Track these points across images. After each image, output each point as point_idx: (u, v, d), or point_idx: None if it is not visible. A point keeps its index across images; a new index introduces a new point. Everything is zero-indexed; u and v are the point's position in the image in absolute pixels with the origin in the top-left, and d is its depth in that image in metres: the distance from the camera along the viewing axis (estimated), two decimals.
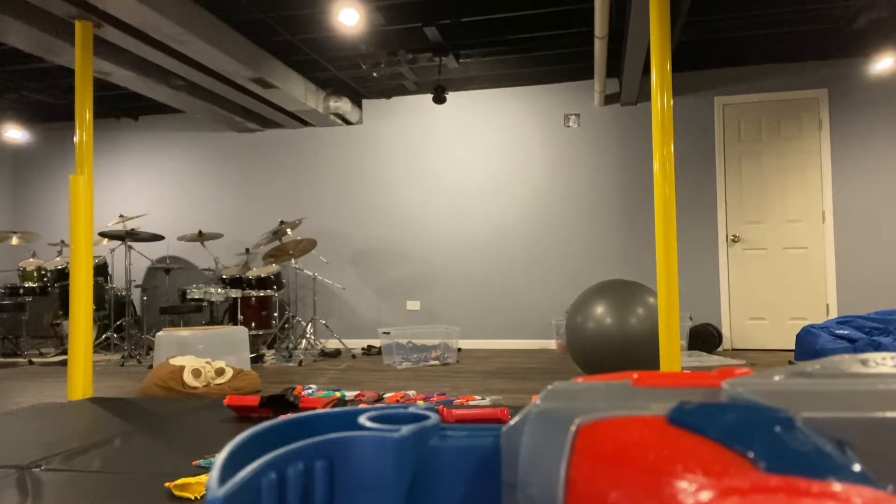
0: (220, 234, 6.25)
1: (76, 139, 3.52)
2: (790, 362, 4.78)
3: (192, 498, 1.66)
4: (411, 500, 0.78)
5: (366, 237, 6.63)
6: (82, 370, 3.43)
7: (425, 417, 0.85)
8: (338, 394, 3.13)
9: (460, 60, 5.57)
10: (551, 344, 6.16)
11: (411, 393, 3.32)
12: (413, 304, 6.48)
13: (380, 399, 3.19)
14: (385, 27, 4.87)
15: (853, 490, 0.42)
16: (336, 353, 5.72)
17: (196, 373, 3.52)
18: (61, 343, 6.15)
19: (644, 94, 6.06)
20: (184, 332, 4.13)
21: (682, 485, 0.47)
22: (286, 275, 6.59)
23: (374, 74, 5.75)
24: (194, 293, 5.46)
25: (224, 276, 5.84)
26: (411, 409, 0.88)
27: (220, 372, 3.62)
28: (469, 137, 6.45)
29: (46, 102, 6.60)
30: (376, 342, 6.52)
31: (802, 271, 5.71)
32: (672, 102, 2.95)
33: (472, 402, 3.13)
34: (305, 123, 6.72)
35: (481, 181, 6.39)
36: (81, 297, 3.46)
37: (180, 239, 6.24)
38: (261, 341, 5.79)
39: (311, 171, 6.80)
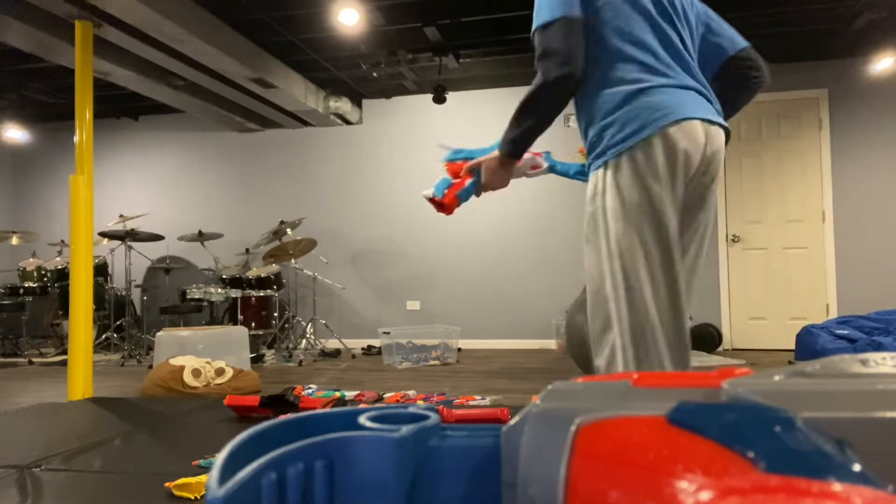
0: (220, 234, 6.25)
1: (76, 139, 3.52)
2: (790, 362, 4.78)
3: (192, 498, 1.66)
4: (411, 500, 0.78)
5: (366, 237, 6.63)
6: (82, 370, 3.43)
7: (425, 417, 0.85)
8: (338, 394, 3.13)
9: (460, 60, 5.57)
10: (551, 344, 6.16)
11: (411, 393, 3.32)
12: (413, 304, 6.48)
13: (380, 399, 3.19)
14: (385, 27, 4.87)
15: (853, 490, 0.42)
16: (336, 353, 5.71)
17: (196, 373, 3.52)
18: (61, 343, 6.14)
19: None
20: (184, 332, 4.13)
21: (682, 485, 0.47)
22: (286, 275, 6.59)
23: (374, 74, 5.75)
24: (194, 293, 5.46)
25: (224, 276, 5.84)
26: (411, 409, 0.88)
27: (220, 372, 3.61)
28: (469, 137, 6.44)
29: (46, 102, 6.60)
30: (376, 342, 6.52)
31: (802, 271, 5.71)
32: None
33: (472, 402, 3.13)
34: (305, 123, 6.71)
35: None
36: (81, 297, 3.46)
37: (180, 239, 6.24)
38: (261, 341, 5.79)
39: (311, 170, 6.80)
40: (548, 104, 1.50)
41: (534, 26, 1.49)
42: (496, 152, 1.65)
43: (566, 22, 1.44)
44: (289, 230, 5.87)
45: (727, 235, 5.86)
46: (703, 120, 1.45)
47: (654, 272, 1.43)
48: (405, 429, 0.77)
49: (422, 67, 5.73)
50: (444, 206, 1.73)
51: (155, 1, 3.89)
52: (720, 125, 1.51)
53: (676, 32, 1.53)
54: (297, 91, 5.74)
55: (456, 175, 1.78)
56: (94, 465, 2.00)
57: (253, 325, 5.60)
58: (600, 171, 1.49)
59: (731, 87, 1.67)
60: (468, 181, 1.73)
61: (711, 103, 1.53)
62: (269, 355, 5.50)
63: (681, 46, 1.53)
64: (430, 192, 1.74)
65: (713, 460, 0.49)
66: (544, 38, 1.46)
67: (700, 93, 1.50)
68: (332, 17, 4.67)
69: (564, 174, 2.04)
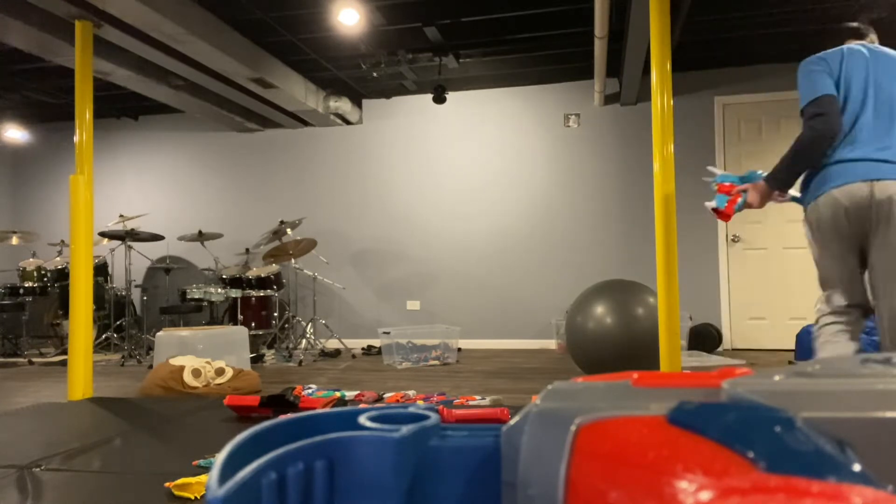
0: (220, 234, 6.25)
1: (76, 139, 3.52)
2: (790, 362, 4.78)
3: (192, 498, 1.66)
4: (411, 500, 0.78)
5: (366, 237, 6.63)
6: (82, 370, 3.43)
7: (425, 417, 0.85)
8: (338, 394, 3.13)
9: (460, 60, 5.57)
10: (551, 344, 6.16)
11: (411, 393, 3.32)
12: (413, 304, 6.48)
13: (380, 399, 3.19)
14: (385, 27, 4.87)
15: (853, 490, 0.42)
16: (336, 353, 5.72)
17: (196, 373, 3.52)
18: (61, 343, 6.15)
19: (644, 94, 6.06)
20: (184, 332, 4.13)
21: (682, 485, 0.47)
22: (286, 275, 6.59)
23: (374, 74, 5.75)
24: (194, 293, 5.46)
25: (224, 276, 5.84)
26: (411, 409, 0.88)
27: (220, 372, 3.62)
28: (469, 137, 6.44)
29: (46, 102, 6.60)
30: (376, 342, 6.52)
31: (802, 271, 5.71)
32: (672, 102, 2.96)
33: (472, 402, 3.12)
34: (305, 123, 6.71)
35: (481, 181, 6.39)
36: (81, 297, 3.45)
37: (180, 239, 6.24)
38: (261, 341, 5.79)
39: (311, 170, 6.80)
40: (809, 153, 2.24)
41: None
42: (762, 182, 2.38)
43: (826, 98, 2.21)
44: (289, 230, 5.87)
45: (727, 235, 5.86)
46: (866, 180, 2.15)
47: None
48: (405, 429, 0.77)
49: (422, 67, 5.73)
50: (725, 214, 2.49)
51: (155, 1, 3.89)
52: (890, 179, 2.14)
53: (871, 104, 2.18)
54: (297, 91, 5.74)
55: (727, 193, 2.52)
56: (94, 465, 2.00)
57: (253, 325, 5.60)
58: None
59: None
60: (739, 200, 2.49)
61: (886, 162, 2.14)
62: (269, 355, 5.50)
63: (870, 118, 2.17)
64: (713, 203, 2.51)
65: (713, 460, 0.49)
66: (812, 105, 2.20)
67: (872, 160, 2.15)
68: (332, 17, 4.67)
69: (798, 202, 2.53)
